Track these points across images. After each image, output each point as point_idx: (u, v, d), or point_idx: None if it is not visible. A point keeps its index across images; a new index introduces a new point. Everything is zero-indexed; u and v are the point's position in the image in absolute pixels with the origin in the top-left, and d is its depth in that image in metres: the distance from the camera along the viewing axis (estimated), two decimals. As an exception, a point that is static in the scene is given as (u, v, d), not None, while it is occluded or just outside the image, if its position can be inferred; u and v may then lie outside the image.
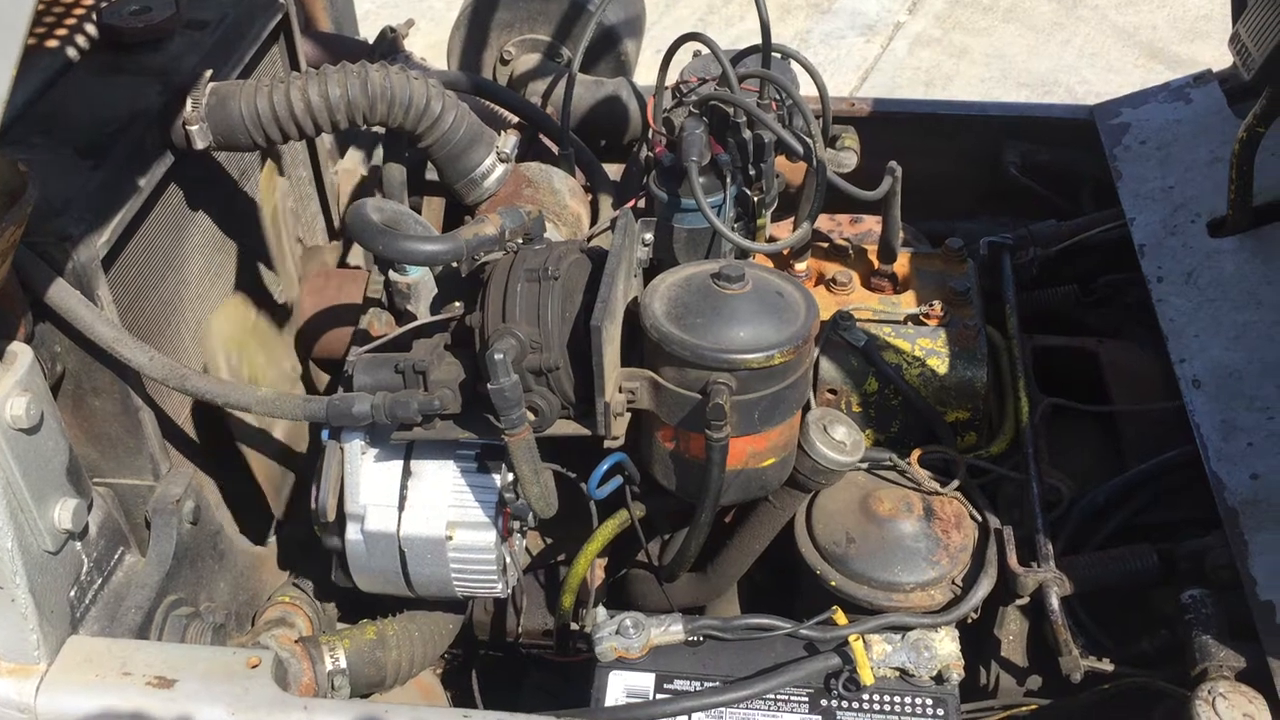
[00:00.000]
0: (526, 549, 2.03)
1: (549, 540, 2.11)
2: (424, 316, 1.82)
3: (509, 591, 1.86)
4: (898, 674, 1.67)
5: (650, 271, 1.83)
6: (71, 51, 1.92)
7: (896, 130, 2.60)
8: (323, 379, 2.31)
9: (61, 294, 1.59)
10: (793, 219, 2.18)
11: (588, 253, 1.74)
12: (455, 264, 1.73)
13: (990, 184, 2.67)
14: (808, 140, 1.92)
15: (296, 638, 1.87)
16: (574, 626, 1.97)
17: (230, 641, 1.87)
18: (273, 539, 2.08)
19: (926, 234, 2.42)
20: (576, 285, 1.67)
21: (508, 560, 1.81)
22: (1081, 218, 2.46)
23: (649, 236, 1.87)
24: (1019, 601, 1.81)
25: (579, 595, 1.94)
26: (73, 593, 1.63)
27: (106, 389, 1.71)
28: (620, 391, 1.65)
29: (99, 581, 1.70)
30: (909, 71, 5.38)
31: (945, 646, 1.68)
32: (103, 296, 1.65)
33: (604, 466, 1.72)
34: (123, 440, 1.75)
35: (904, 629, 1.70)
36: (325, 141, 2.36)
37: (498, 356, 1.53)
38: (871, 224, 2.29)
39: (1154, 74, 5.06)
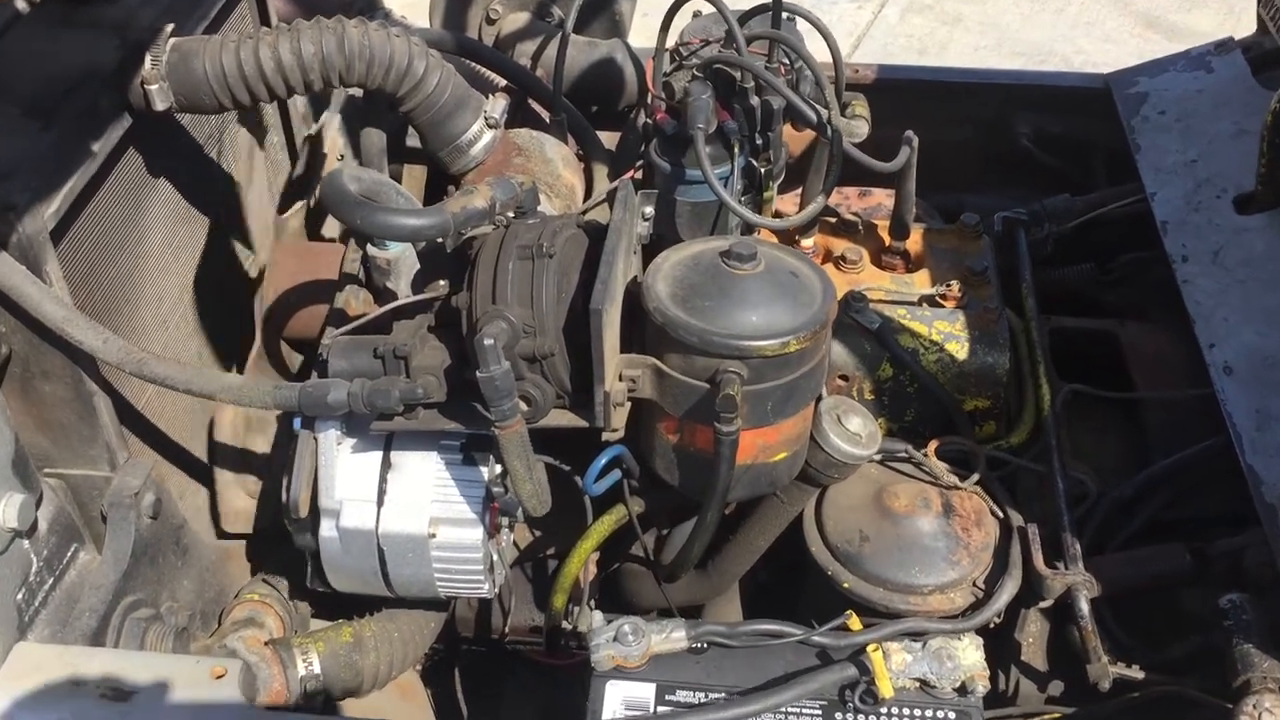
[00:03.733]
0: (514, 543, 1.92)
1: (538, 533, 2.01)
2: (405, 295, 1.71)
3: (495, 591, 1.75)
4: (918, 685, 1.57)
5: (650, 248, 1.72)
6: (20, 3, 1.82)
7: (901, 98, 2.47)
8: (295, 360, 2.18)
9: (5, 269, 1.50)
10: (798, 192, 2.06)
11: (584, 228, 1.63)
12: (440, 239, 1.61)
13: (1000, 155, 2.57)
14: (820, 108, 1.79)
15: (266, 639, 1.78)
16: (565, 625, 1.87)
17: (195, 644, 1.77)
18: None
19: (935, 208, 2.31)
20: (573, 263, 1.56)
21: (495, 558, 1.70)
22: (1097, 192, 2.36)
23: (650, 210, 1.75)
24: (1042, 604, 1.71)
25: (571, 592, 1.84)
26: (20, 595, 1.54)
27: (57, 373, 1.62)
28: (620, 380, 1.54)
29: (50, 582, 1.61)
30: (902, 39, 5.29)
31: (969, 656, 1.57)
32: (51, 272, 1.56)
33: (601, 460, 1.61)
34: (76, 428, 1.66)
35: (923, 635, 1.59)
36: (298, 104, 2.26)
37: (488, 342, 1.42)
38: (881, 198, 2.18)
39: (1151, 43, 4.98)
